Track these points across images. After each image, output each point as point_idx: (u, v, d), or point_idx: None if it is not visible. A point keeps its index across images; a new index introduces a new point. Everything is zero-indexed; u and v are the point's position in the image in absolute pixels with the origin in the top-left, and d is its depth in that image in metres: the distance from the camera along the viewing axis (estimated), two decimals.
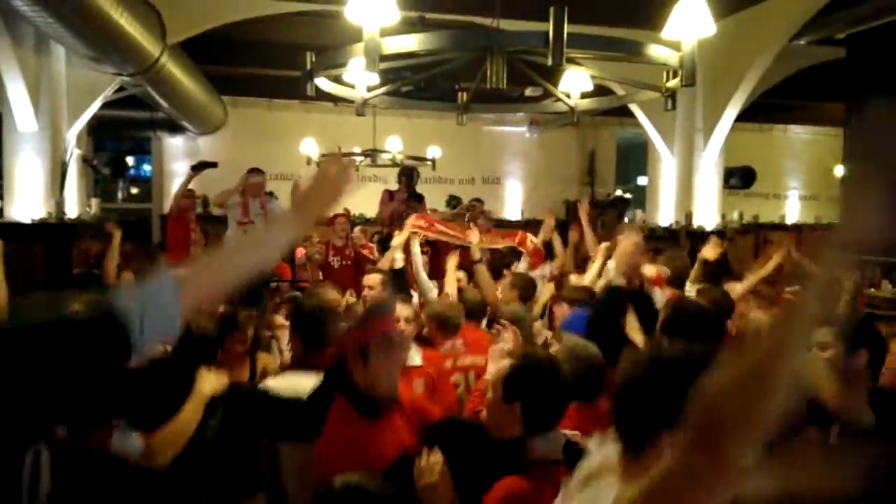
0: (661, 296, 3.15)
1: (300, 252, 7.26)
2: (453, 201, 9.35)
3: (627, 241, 2.55)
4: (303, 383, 2.07)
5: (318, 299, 2.86)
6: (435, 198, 7.60)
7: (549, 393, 1.73)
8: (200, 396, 2.01)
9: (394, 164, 7.71)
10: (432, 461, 1.57)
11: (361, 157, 7.98)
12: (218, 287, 1.31)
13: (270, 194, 6.89)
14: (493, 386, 1.81)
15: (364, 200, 8.20)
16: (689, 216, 6.76)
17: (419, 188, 7.00)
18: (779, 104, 8.70)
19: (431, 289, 4.19)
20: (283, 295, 4.57)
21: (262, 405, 2.12)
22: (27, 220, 5.62)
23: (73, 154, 6.15)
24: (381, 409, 1.82)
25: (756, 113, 7.68)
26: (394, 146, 7.59)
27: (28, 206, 5.74)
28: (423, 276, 4.25)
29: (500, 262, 4.66)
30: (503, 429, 1.74)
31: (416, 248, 4.24)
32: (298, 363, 2.42)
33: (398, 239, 4.20)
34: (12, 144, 5.79)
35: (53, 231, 5.68)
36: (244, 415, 2.04)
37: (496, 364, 2.02)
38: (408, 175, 6.65)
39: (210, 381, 2.07)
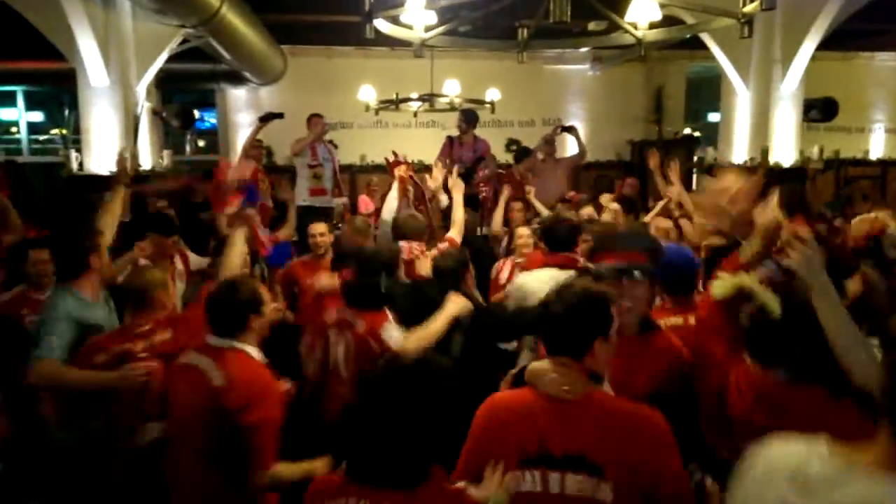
0: None
1: (364, 201, 7.36)
2: (513, 145, 9.18)
3: (716, 186, 2.40)
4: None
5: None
6: (494, 142, 7.47)
7: None
8: (448, 313, 2.68)
9: (452, 108, 7.61)
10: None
11: (419, 102, 7.91)
12: None
13: (330, 142, 6.99)
14: None
15: (421, 146, 8.16)
16: (764, 152, 6.42)
17: (478, 132, 6.90)
18: (864, 30, 8.03)
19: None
20: None
21: (495, 325, 2.87)
22: (105, 172, 5.88)
23: (144, 107, 6.35)
24: None
25: (839, 40, 7.12)
26: (452, 90, 7.46)
27: (104, 158, 5.99)
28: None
29: None
30: None
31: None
32: None
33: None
34: (86, 99, 6.02)
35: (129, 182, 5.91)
36: (484, 334, 2.75)
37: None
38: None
39: (457, 303, 2.72)
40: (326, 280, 3.13)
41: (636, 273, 2.00)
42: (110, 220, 3.22)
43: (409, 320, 2.73)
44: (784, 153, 6.48)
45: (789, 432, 1.08)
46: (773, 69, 6.41)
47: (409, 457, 1.35)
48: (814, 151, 7.31)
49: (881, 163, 10.07)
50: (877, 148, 10.34)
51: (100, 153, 6.03)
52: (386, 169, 8.46)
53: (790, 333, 1.69)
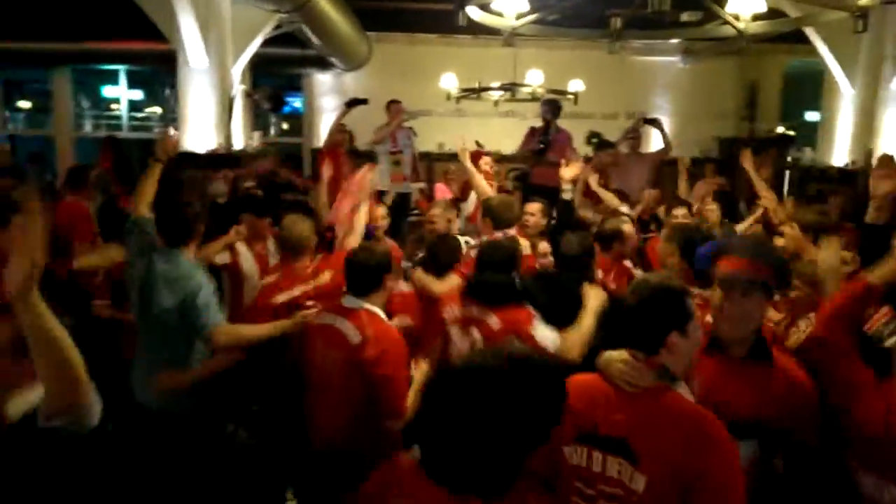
0: None
1: (441, 189, 7.41)
2: (594, 138, 8.97)
3: None
4: None
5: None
6: (576, 135, 7.34)
7: None
8: (593, 308, 2.47)
9: (533, 98, 7.51)
10: None
11: (500, 91, 7.86)
12: None
13: (410, 129, 7.05)
14: None
15: (500, 136, 8.11)
16: (868, 155, 6.01)
17: (560, 123, 6.80)
18: None
19: None
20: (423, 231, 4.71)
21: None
22: (202, 151, 6.17)
23: (239, 89, 6.60)
24: None
25: None
26: (534, 79, 7.37)
27: (200, 137, 6.27)
28: None
29: None
30: None
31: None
32: None
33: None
34: (185, 79, 6.29)
35: (224, 161, 6.14)
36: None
37: None
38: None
39: (598, 297, 2.52)
40: (439, 284, 2.98)
41: (749, 285, 1.84)
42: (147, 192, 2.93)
43: (550, 317, 2.50)
44: None
45: None
46: (884, 66, 5.98)
47: (489, 463, 1.21)
48: None
49: None
50: None
51: (195, 131, 6.32)
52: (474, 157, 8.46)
53: None
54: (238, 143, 6.69)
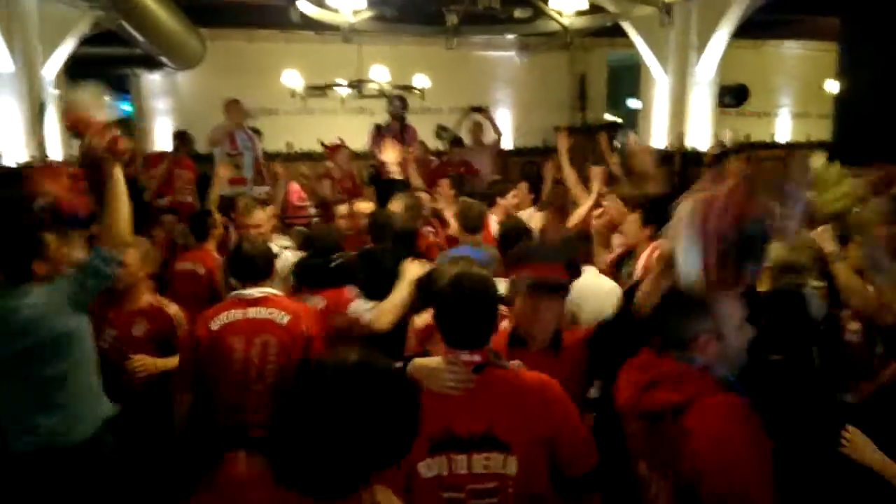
0: None
1: (297, 191, 7.20)
2: (442, 132, 9.17)
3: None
4: None
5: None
6: (423, 128, 7.46)
7: None
8: (408, 280, 2.66)
9: (381, 94, 7.52)
10: None
11: (347, 89, 7.78)
12: None
13: (255, 130, 6.77)
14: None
15: (349, 133, 8.05)
16: (680, 137, 6.70)
17: (408, 118, 6.89)
18: (773, 19, 8.49)
19: None
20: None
21: None
22: (12, 164, 5.50)
23: (52, 94, 5.96)
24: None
25: (750, 28, 7.51)
26: (380, 76, 7.37)
27: (11, 149, 5.60)
28: None
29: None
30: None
31: None
32: None
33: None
34: None
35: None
36: None
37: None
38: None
39: (414, 269, 2.71)
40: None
41: (553, 289, 1.96)
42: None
43: (371, 293, 2.75)
44: (700, 138, 6.79)
45: None
46: (690, 56, 6.68)
47: (336, 468, 1.15)
48: (726, 135, 7.70)
49: (788, 146, 10.72)
50: (783, 131, 10.99)
51: (5, 145, 5.63)
52: (314, 157, 8.32)
53: None
54: (56, 153, 6.05)
